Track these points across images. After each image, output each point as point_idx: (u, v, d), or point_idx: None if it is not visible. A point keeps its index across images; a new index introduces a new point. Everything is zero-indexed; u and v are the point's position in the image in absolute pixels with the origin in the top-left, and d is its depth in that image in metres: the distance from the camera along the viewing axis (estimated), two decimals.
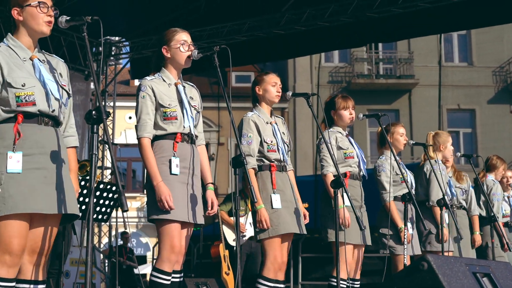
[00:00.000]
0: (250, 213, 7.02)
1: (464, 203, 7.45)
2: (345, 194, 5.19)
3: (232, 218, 8.68)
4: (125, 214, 6.38)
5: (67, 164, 3.75)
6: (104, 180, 12.44)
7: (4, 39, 3.75)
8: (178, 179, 4.42)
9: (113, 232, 13.13)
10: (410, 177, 6.63)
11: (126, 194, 6.71)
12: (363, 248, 5.91)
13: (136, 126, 4.50)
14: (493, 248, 7.82)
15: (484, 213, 7.99)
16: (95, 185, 6.08)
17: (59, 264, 6.29)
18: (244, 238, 8.33)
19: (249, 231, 8.20)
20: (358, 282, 5.89)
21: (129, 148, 20.98)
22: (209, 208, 4.53)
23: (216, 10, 11.49)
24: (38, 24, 3.68)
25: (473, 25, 12.82)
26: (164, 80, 4.56)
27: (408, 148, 6.69)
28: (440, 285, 3.74)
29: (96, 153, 3.07)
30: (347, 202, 5.31)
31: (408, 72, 24.23)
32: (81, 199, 5.73)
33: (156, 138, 4.48)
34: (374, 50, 24.74)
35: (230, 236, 8.60)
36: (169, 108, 4.46)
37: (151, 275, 4.38)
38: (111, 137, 12.61)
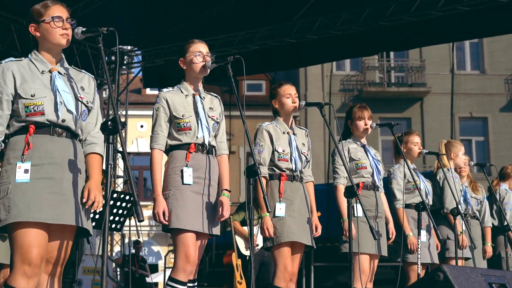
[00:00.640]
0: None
1: (477, 214, 7.43)
2: (358, 205, 5.18)
3: (244, 227, 8.68)
4: (137, 222, 6.39)
5: (83, 176, 3.76)
6: (117, 189, 12.47)
7: (29, 54, 3.81)
8: (191, 189, 4.44)
9: (126, 241, 13.15)
10: (426, 185, 6.62)
11: None
12: (377, 259, 5.89)
13: (150, 137, 4.57)
14: (507, 258, 7.79)
15: (496, 223, 7.96)
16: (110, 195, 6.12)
17: (72, 272, 6.30)
18: (257, 247, 8.33)
19: (261, 240, 8.19)
20: None
21: (141, 157, 21.04)
22: (219, 212, 4.52)
23: (228, 19, 11.52)
24: (54, 38, 3.72)
25: (485, 34, 12.84)
26: (182, 91, 4.61)
27: (421, 156, 6.65)
28: None
29: (112, 163, 3.08)
30: (360, 213, 5.29)
31: (420, 80, 24.17)
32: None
33: (171, 148, 4.53)
34: (385, 58, 24.71)
35: (242, 245, 8.60)
36: (182, 119, 4.50)
37: (167, 284, 4.39)
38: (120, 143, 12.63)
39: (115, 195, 6.04)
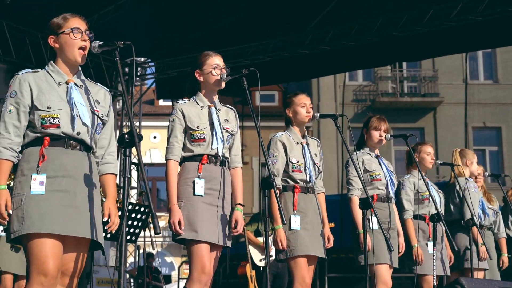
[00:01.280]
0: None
1: (493, 224, 7.42)
2: (373, 217, 5.19)
3: (258, 238, 8.69)
4: (151, 233, 6.37)
5: (98, 190, 3.79)
6: (131, 201, 12.50)
7: (46, 65, 3.84)
8: (204, 200, 4.46)
9: (140, 251, 13.17)
10: (439, 196, 6.61)
11: None
12: (392, 269, 5.88)
13: (166, 148, 4.60)
14: None
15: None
16: (118, 205, 6.15)
17: (86, 284, 6.33)
18: (271, 258, 8.33)
19: (273, 250, 8.20)
20: None
21: (154, 168, 21.09)
22: (232, 228, 4.54)
23: (240, 30, 11.55)
24: (72, 52, 3.76)
25: (499, 44, 12.77)
26: (197, 103, 4.63)
27: (434, 166, 6.67)
28: None
29: (129, 176, 3.10)
30: (375, 225, 5.30)
31: (433, 90, 24.12)
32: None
33: (184, 159, 4.56)
34: (398, 69, 24.68)
35: (256, 256, 8.60)
36: (197, 130, 4.52)
37: None
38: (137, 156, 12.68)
39: (130, 207, 6.06)
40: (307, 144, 5.38)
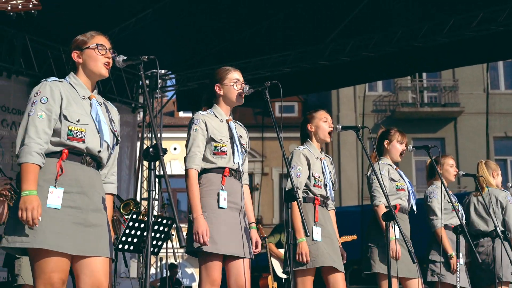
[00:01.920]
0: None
1: None
2: (396, 227, 5.17)
3: (280, 250, 8.68)
4: (173, 245, 6.36)
5: (105, 207, 3.80)
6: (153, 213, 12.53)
7: (67, 76, 3.86)
8: (226, 213, 4.45)
9: (163, 262, 13.19)
10: (460, 208, 6.59)
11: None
12: (418, 280, 5.83)
13: (185, 158, 4.56)
14: None
15: None
16: (145, 218, 6.17)
17: None
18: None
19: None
20: None
21: (174, 179, 21.13)
22: (253, 247, 4.56)
23: (260, 42, 11.60)
24: (96, 66, 3.79)
25: None
26: (216, 116, 4.63)
27: (455, 178, 6.67)
28: None
29: (154, 189, 3.12)
30: (397, 234, 5.29)
31: (453, 100, 24.00)
32: (132, 232, 5.81)
33: (204, 171, 4.53)
34: (418, 79, 24.59)
35: (278, 267, 8.59)
36: (220, 143, 4.52)
37: None
38: (157, 168, 12.73)
39: (152, 219, 6.07)
40: (325, 160, 5.41)
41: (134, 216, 5.82)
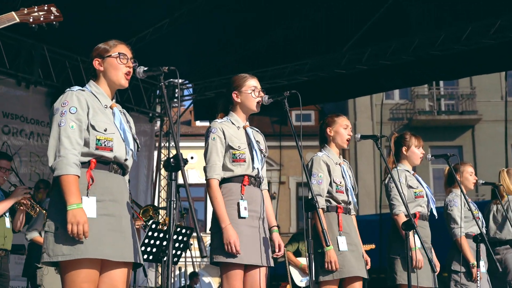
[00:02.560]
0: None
1: None
2: (416, 236, 5.15)
3: (298, 258, 8.67)
4: (188, 253, 6.39)
5: (131, 212, 3.83)
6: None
7: (87, 84, 3.86)
8: (246, 222, 4.45)
9: (182, 271, 13.21)
10: (480, 215, 6.56)
11: None
12: None
13: (205, 168, 4.55)
14: None
15: None
16: (165, 228, 6.19)
17: None
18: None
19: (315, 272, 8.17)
20: None
21: (191, 188, 21.14)
22: (276, 250, 4.55)
23: (277, 51, 11.62)
24: (117, 75, 3.81)
25: None
26: (233, 123, 4.63)
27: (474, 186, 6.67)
28: None
29: (175, 199, 3.13)
30: (418, 244, 5.26)
31: (471, 108, 23.92)
32: (152, 242, 5.84)
33: (223, 180, 4.52)
34: (435, 87, 24.52)
35: (297, 276, 8.58)
36: (238, 150, 4.51)
37: None
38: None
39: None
40: (344, 165, 5.40)
41: (154, 226, 5.85)
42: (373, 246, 9.09)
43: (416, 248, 5.31)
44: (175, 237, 5.93)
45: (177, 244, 6.07)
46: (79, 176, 3.54)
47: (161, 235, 5.89)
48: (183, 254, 6.45)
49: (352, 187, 5.40)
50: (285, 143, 16.72)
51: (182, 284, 13.26)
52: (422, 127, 22.87)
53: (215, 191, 4.44)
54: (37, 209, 6.45)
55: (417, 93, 24.04)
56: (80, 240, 3.45)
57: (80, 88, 3.79)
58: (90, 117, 3.67)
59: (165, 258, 5.17)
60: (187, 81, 13.42)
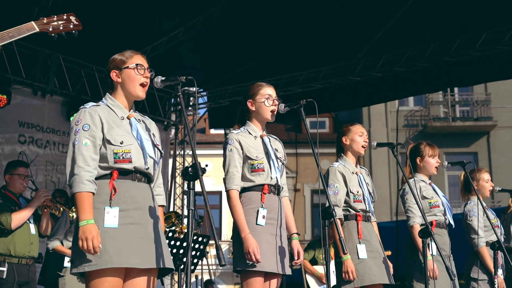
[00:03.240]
0: (332, 262, 7.01)
1: None
2: (433, 244, 5.14)
3: (314, 266, 8.66)
4: (204, 261, 6.39)
5: (160, 220, 3.85)
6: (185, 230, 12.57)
7: (103, 98, 3.91)
8: (265, 230, 4.46)
9: (194, 279, 13.20)
10: (499, 223, 6.54)
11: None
12: None
13: (224, 179, 4.58)
14: None
15: None
16: (182, 236, 6.21)
17: None
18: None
19: (332, 280, 8.15)
20: None
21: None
22: (295, 258, 4.56)
23: (291, 58, 11.63)
24: (134, 87, 3.84)
25: None
26: (250, 133, 4.66)
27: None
28: None
29: (194, 208, 3.14)
30: (434, 252, 5.25)
31: (486, 114, 23.82)
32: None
33: (243, 190, 4.55)
34: (450, 93, 24.44)
35: (313, 284, 8.56)
36: (256, 160, 4.54)
37: None
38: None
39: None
40: (361, 174, 5.40)
41: (170, 234, 5.86)
42: (389, 252, 9.06)
43: (431, 258, 5.29)
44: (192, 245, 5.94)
45: (193, 252, 6.09)
46: (93, 193, 3.62)
47: (178, 243, 5.91)
48: (200, 262, 6.47)
49: (371, 195, 5.40)
50: (299, 151, 16.71)
51: None
52: (437, 134, 22.81)
53: (234, 201, 4.48)
54: (61, 208, 6.50)
55: (432, 100, 23.97)
56: (95, 253, 3.51)
57: (94, 104, 3.85)
58: (105, 132, 3.73)
59: (182, 266, 5.21)
60: (201, 89, 13.46)
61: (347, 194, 5.27)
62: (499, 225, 6.47)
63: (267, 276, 4.47)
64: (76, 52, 10.83)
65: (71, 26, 3.34)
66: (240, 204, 4.47)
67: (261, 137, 4.66)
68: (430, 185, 5.95)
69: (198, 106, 13.95)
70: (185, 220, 14.18)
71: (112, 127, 3.74)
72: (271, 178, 4.54)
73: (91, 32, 8.76)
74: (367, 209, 5.28)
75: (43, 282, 7.70)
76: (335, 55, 11.37)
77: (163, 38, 10.90)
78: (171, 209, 13.41)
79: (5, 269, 6.15)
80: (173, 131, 13.99)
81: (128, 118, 3.85)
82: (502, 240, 6.52)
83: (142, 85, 3.86)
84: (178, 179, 13.78)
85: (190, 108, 13.94)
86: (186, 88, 13.24)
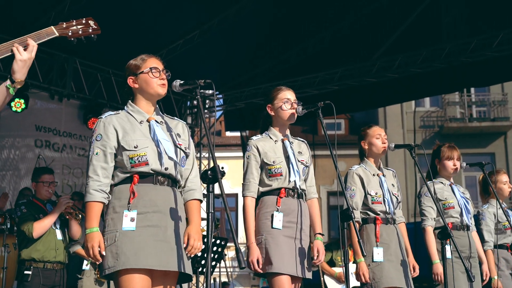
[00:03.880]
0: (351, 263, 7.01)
1: None
2: (447, 247, 5.12)
3: (333, 268, 8.64)
4: (222, 264, 6.39)
5: (184, 224, 3.85)
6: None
7: (125, 106, 3.96)
8: (283, 233, 4.48)
9: (212, 281, 13.21)
10: None
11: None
12: None
13: (242, 185, 4.65)
14: None
15: None
16: None
17: None
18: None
19: (352, 281, 8.14)
20: None
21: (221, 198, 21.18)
22: (315, 257, 4.56)
23: (307, 60, 11.62)
24: (153, 87, 3.87)
25: None
26: (270, 137, 4.69)
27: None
28: None
29: (213, 211, 3.15)
30: (448, 255, 5.24)
31: (503, 114, 23.68)
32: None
33: (261, 194, 4.60)
34: (466, 93, 24.31)
35: (331, 286, 8.54)
36: (273, 165, 4.58)
37: None
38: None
39: (205, 240, 6.11)
40: (384, 176, 5.38)
41: None
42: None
43: (435, 262, 5.28)
44: None
45: (212, 255, 6.09)
46: (102, 202, 3.71)
47: (203, 246, 5.91)
48: (217, 265, 6.48)
49: (396, 197, 5.38)
50: (316, 152, 16.67)
51: None
52: (453, 135, 22.69)
53: (247, 209, 4.57)
54: (80, 215, 6.58)
55: (448, 100, 23.87)
56: (97, 260, 3.62)
57: (112, 112, 3.92)
58: (120, 139, 3.78)
59: (200, 269, 5.22)
60: (217, 92, 13.48)
61: (365, 196, 5.26)
62: None
63: (291, 279, 4.48)
64: (93, 56, 10.88)
65: (90, 31, 3.36)
66: (253, 212, 4.55)
67: (282, 141, 4.67)
68: (450, 187, 5.93)
69: (214, 109, 13.97)
70: (202, 223, 14.20)
71: (127, 133, 3.79)
72: (289, 182, 4.56)
73: (107, 36, 8.76)
74: (388, 211, 5.26)
75: None
76: (351, 56, 11.36)
77: (179, 41, 10.93)
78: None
79: (30, 272, 6.28)
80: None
81: (148, 121, 3.87)
82: None
83: (160, 85, 3.88)
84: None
85: (206, 110, 13.96)
86: (202, 90, 13.21)
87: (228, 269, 24.89)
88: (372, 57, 11.16)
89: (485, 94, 24.25)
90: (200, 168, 13.34)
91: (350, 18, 11.00)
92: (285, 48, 11.68)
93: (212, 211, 3.16)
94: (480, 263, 5.88)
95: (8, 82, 3.14)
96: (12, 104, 9.95)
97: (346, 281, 4.19)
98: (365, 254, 4.27)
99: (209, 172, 3.22)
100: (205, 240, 6.35)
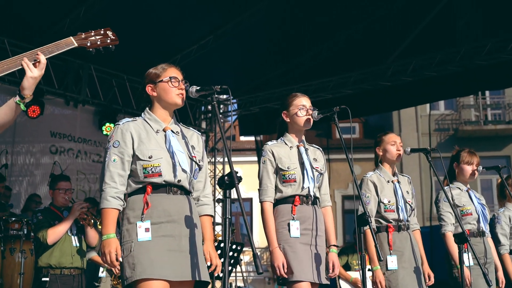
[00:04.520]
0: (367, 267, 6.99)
1: None
2: (465, 254, 5.10)
3: (348, 272, 8.62)
4: (238, 269, 6.38)
5: (199, 231, 3.86)
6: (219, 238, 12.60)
7: (142, 113, 3.98)
8: (300, 241, 4.50)
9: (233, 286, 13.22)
10: None
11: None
12: None
13: (258, 190, 4.66)
14: None
15: None
16: (216, 243, 6.23)
17: None
18: None
19: (368, 286, 8.11)
20: None
21: (237, 203, 21.16)
22: (330, 271, 4.57)
23: (321, 64, 11.61)
24: (171, 97, 3.87)
25: None
26: (286, 143, 4.69)
27: None
28: None
29: (230, 217, 3.15)
30: (467, 262, 5.21)
31: None
32: None
33: (276, 202, 4.61)
34: (481, 96, 24.17)
35: None
36: (288, 171, 4.59)
37: None
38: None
39: (221, 245, 6.13)
40: (398, 182, 5.37)
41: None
42: None
43: (458, 267, 5.26)
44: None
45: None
46: (118, 209, 3.72)
47: (219, 251, 5.91)
48: (234, 270, 6.48)
49: (409, 204, 5.36)
50: (332, 156, 16.64)
51: None
52: (468, 138, 22.57)
53: (266, 213, 4.56)
54: (92, 221, 6.61)
55: (463, 103, 23.75)
56: (116, 264, 3.64)
57: (130, 119, 3.92)
58: (135, 148, 3.79)
59: (216, 274, 5.20)
60: (231, 97, 13.47)
61: (378, 204, 5.27)
62: None
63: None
64: (107, 62, 10.93)
65: (108, 41, 3.39)
66: (272, 216, 4.55)
67: (298, 147, 4.67)
68: (468, 192, 5.90)
69: (230, 114, 14.00)
70: (218, 228, 14.22)
71: (142, 142, 3.80)
72: (303, 188, 4.56)
73: (122, 42, 8.81)
74: (400, 218, 5.25)
75: None
76: (365, 60, 11.34)
77: (193, 47, 10.97)
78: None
79: (47, 279, 6.31)
80: (204, 139, 14.05)
81: (164, 130, 3.88)
82: None
83: (178, 95, 3.88)
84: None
85: (220, 115, 13.98)
86: (216, 96, 13.23)
87: (244, 274, 24.84)
88: (386, 60, 11.13)
89: (500, 96, 24.12)
90: (214, 173, 13.35)
91: (364, 22, 10.98)
92: (299, 52, 11.68)
93: (229, 217, 3.16)
94: (496, 270, 5.85)
95: (17, 98, 3.16)
96: (28, 110, 10.00)
97: (364, 285, 4.18)
98: (382, 259, 4.25)
99: (226, 177, 3.22)
100: (222, 245, 6.40)
